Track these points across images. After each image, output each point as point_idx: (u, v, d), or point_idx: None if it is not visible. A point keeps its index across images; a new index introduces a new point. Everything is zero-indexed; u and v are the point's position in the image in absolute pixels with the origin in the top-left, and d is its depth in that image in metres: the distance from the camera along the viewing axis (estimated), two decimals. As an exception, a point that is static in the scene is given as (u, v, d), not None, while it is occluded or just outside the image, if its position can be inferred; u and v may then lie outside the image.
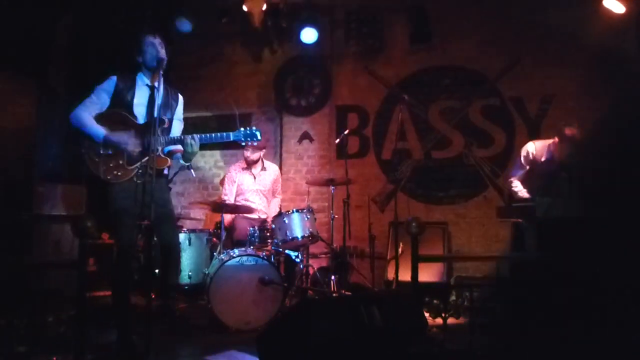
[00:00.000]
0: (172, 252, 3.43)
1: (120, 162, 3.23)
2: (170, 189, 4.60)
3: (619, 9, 5.02)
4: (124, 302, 3.25)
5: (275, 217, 4.64)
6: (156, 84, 3.22)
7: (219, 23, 6.38)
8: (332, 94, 6.52)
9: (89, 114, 3.25)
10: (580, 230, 3.49)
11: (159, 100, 3.18)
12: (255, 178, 5.18)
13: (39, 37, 5.51)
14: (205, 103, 6.77)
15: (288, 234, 4.40)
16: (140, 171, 3.23)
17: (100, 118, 3.27)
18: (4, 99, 5.18)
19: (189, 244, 4.83)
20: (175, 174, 5.64)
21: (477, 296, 4.47)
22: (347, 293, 4.68)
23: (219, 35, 6.72)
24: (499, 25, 5.92)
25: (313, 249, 5.34)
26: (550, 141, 4.56)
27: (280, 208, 5.37)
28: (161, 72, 3.22)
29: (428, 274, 5.15)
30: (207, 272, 4.30)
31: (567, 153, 4.44)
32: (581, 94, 5.52)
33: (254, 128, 3.47)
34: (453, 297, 4.71)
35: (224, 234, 4.48)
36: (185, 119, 3.65)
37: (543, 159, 4.56)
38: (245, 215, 5.00)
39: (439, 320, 4.14)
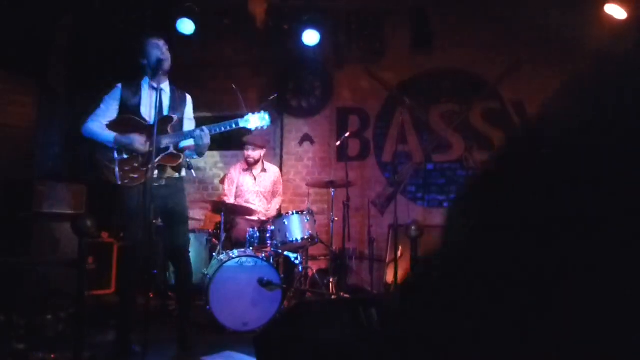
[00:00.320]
0: (182, 256, 3.43)
1: (135, 164, 3.25)
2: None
3: (621, 14, 5.03)
4: (129, 302, 3.25)
5: (275, 218, 4.64)
6: (162, 86, 3.24)
7: (220, 24, 6.38)
8: (333, 96, 6.53)
9: (100, 123, 3.28)
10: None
11: (166, 101, 3.19)
12: (255, 179, 5.18)
13: (38, 37, 5.52)
14: (207, 104, 6.76)
15: (287, 235, 4.41)
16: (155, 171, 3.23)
17: (111, 125, 3.30)
18: (4, 99, 5.19)
19: (189, 244, 4.82)
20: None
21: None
22: (345, 295, 4.68)
23: (220, 36, 6.72)
24: (499, 28, 5.92)
25: (312, 250, 5.34)
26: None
27: (280, 209, 5.37)
28: (167, 73, 3.26)
29: (427, 277, 5.13)
30: (205, 273, 4.29)
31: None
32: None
33: (262, 112, 3.41)
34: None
35: (223, 235, 4.48)
36: (191, 119, 3.66)
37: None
38: (245, 217, 5.00)
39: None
